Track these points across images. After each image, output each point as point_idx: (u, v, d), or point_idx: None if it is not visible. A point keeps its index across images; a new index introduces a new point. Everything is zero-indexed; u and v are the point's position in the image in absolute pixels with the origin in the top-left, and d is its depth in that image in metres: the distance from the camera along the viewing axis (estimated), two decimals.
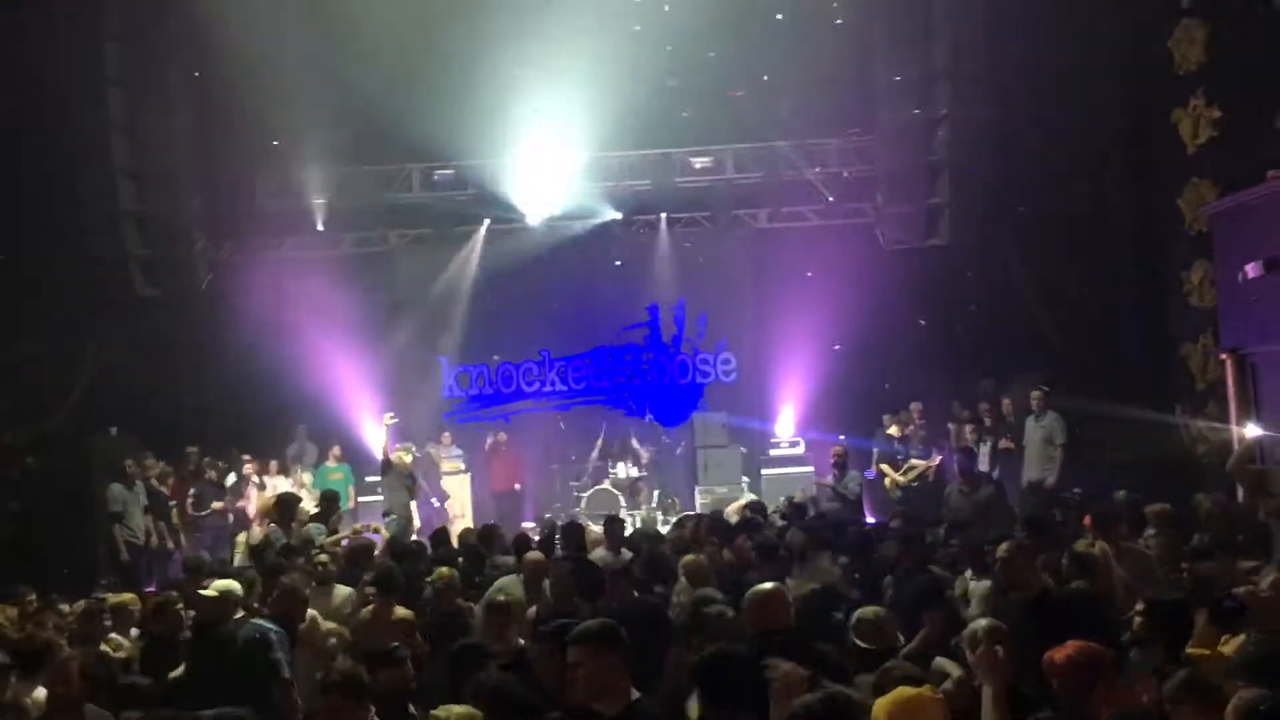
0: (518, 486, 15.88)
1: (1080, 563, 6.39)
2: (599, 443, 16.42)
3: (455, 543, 9.65)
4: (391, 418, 12.89)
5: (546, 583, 7.28)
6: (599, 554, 8.64)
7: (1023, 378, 13.13)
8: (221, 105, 14.48)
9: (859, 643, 4.99)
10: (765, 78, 15.30)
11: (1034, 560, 6.05)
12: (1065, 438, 11.95)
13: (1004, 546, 5.97)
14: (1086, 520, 8.02)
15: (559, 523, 11.00)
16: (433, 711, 4.16)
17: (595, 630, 4.30)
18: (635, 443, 16.49)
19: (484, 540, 9.12)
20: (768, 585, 5.41)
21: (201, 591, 6.65)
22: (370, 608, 7.14)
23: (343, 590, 7.71)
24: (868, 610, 5.17)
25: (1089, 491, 10.39)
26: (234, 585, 6.68)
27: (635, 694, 4.22)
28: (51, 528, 12.37)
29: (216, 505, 13.52)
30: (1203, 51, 11.78)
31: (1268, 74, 10.72)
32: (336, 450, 14.97)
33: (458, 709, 4.21)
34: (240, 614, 6.52)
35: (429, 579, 7.48)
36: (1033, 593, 5.71)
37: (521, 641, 6.13)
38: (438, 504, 15.02)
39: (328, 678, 4.71)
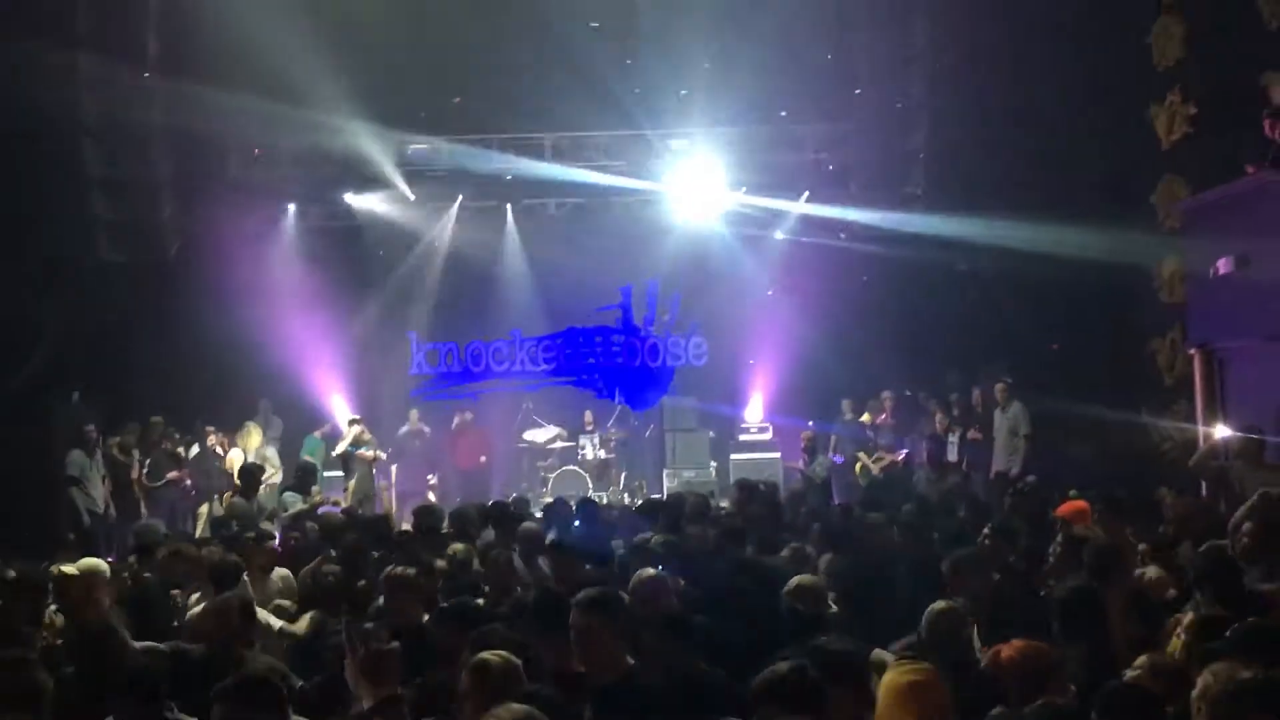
0: (483, 459, 15.78)
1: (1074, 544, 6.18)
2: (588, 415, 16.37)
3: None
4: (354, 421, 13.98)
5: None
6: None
7: (989, 370, 13.17)
8: (195, 71, 14.21)
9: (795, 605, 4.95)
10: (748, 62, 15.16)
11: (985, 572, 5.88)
12: (1029, 428, 12.01)
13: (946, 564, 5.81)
14: (1062, 510, 7.93)
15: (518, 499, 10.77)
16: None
17: (598, 598, 4.27)
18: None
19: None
20: (651, 571, 5.36)
21: (64, 569, 5.87)
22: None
23: (281, 572, 7.29)
24: (805, 576, 5.24)
25: (1047, 481, 10.34)
26: (100, 565, 6.02)
27: (631, 661, 4.22)
28: (10, 495, 12.12)
29: (171, 476, 13.28)
30: (1181, 47, 11.79)
31: (1244, 71, 10.73)
32: (327, 427, 14.95)
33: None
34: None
35: (447, 552, 6.99)
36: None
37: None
38: (433, 479, 15.27)
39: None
